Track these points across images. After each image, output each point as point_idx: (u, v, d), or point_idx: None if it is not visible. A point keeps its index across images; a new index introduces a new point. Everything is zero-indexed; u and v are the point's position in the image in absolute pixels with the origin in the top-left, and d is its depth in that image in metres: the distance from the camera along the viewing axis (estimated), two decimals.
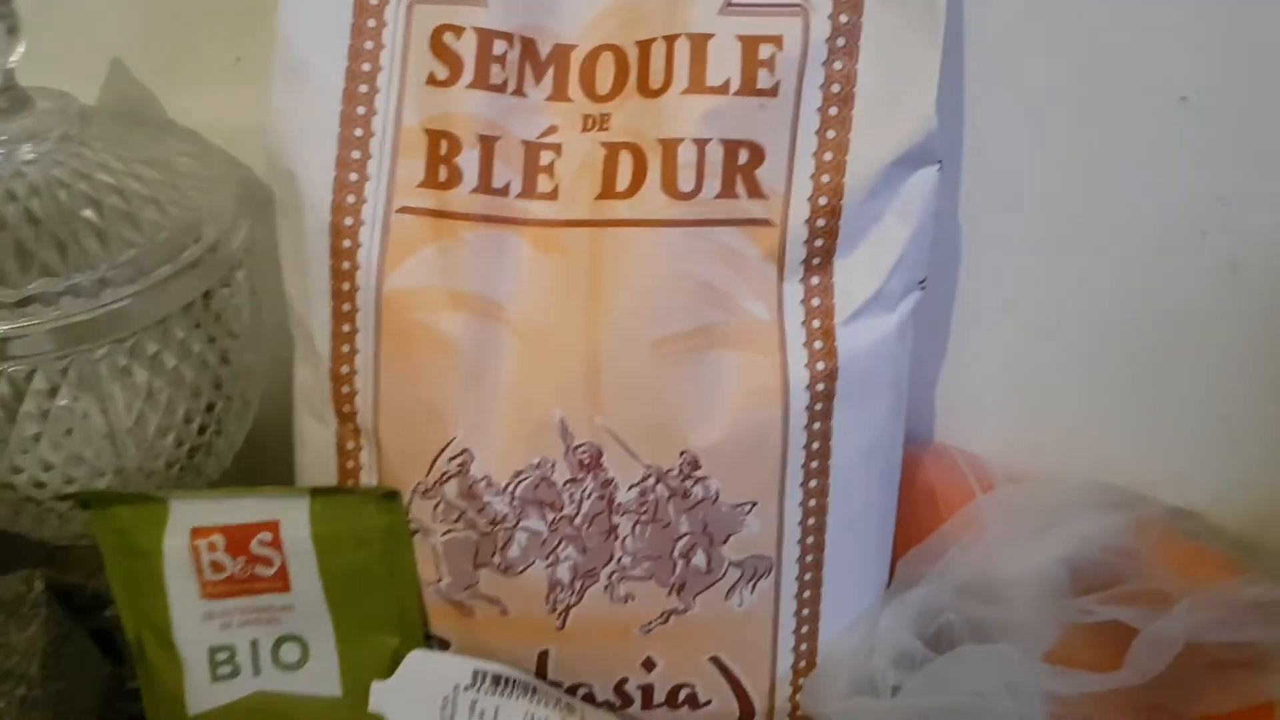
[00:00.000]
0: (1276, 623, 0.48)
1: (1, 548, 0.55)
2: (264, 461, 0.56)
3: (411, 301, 0.46)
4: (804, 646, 0.49)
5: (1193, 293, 0.54)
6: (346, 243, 0.45)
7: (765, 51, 0.44)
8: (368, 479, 0.48)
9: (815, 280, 0.46)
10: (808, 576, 0.48)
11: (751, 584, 0.47)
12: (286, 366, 0.53)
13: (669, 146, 0.44)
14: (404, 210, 0.45)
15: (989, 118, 0.50)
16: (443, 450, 0.46)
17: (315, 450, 0.49)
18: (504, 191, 0.46)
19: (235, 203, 0.53)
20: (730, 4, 0.44)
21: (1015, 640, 0.51)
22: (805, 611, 0.48)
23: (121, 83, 0.58)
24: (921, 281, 0.48)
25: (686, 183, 0.44)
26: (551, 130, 0.46)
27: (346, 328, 0.46)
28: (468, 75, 0.45)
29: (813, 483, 0.47)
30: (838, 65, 0.45)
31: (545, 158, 0.46)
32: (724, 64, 0.44)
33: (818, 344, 0.46)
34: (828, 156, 0.45)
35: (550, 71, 0.46)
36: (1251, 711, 0.48)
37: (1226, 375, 0.55)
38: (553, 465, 0.46)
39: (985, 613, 0.52)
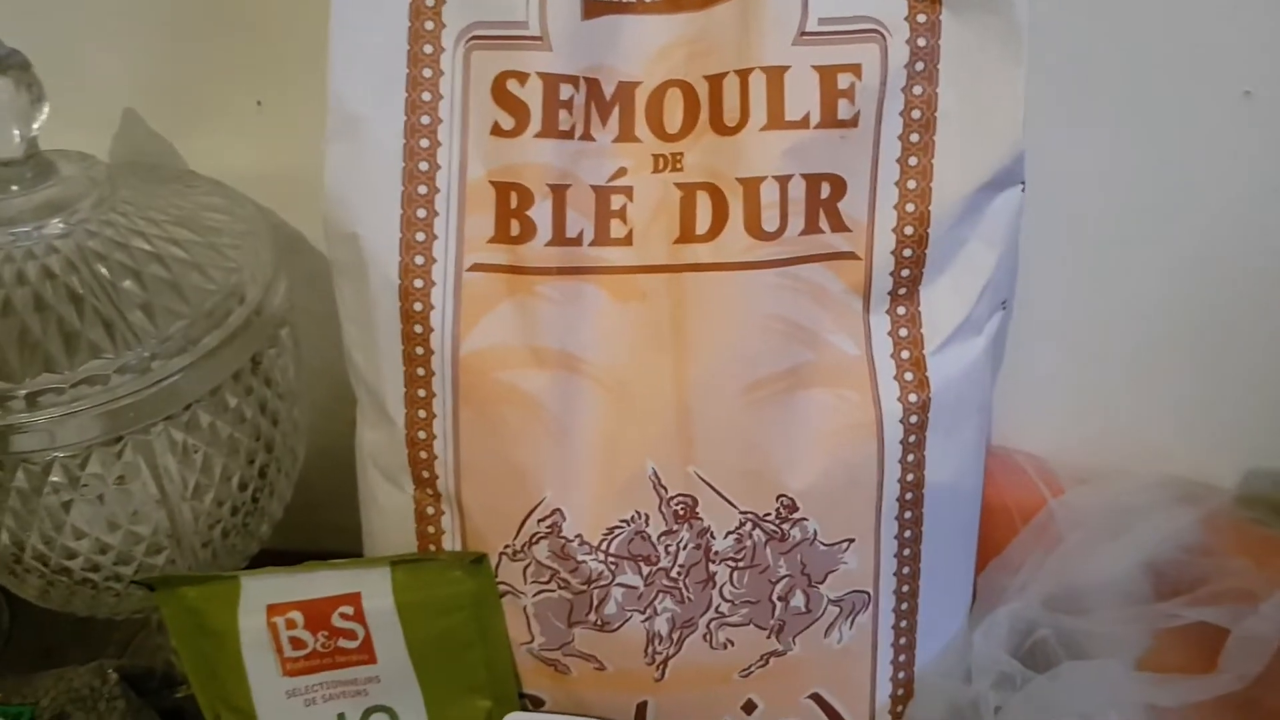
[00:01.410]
0: None
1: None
2: (311, 511, 0.54)
3: (490, 362, 0.44)
4: (902, 675, 0.48)
5: (1254, 286, 0.53)
6: (417, 305, 0.43)
7: (844, 81, 0.42)
8: (450, 544, 0.46)
9: (902, 310, 0.45)
10: (904, 606, 0.47)
11: (850, 619, 0.47)
12: (326, 415, 0.50)
13: (750, 185, 0.43)
14: (476, 268, 0.44)
15: (1049, 115, 0.49)
16: (531, 511, 0.44)
17: (390, 515, 0.47)
18: (578, 240, 0.44)
19: (272, 257, 0.50)
20: (805, 33, 0.42)
21: (1108, 651, 0.51)
22: (902, 640, 0.48)
23: (138, 133, 0.55)
24: (1004, 302, 0.47)
25: (771, 222, 0.43)
26: (621, 173, 0.44)
27: (422, 392, 0.44)
28: (535, 124, 0.42)
29: (907, 514, 0.46)
30: (918, 90, 0.43)
31: (616, 202, 0.44)
32: (803, 97, 0.42)
33: (908, 375, 0.45)
34: (911, 184, 0.43)
35: (616, 111, 0.44)
36: None
37: None
38: (646, 518, 0.45)
39: (1075, 625, 0.51)
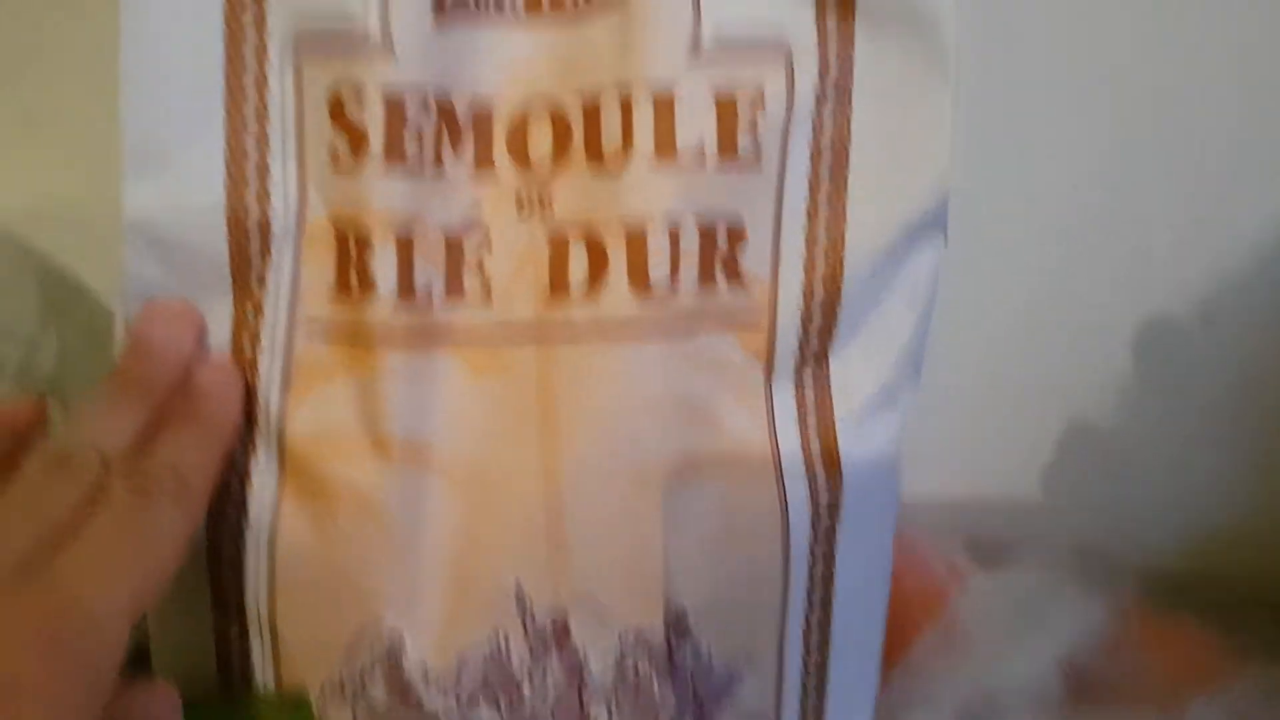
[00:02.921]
0: None
1: None
2: None
3: (321, 448, 0.35)
4: None
5: (1166, 343, 0.49)
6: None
7: (744, 107, 0.35)
8: (261, 676, 0.36)
9: (810, 379, 0.38)
10: None
11: None
12: None
13: (634, 231, 0.35)
14: (311, 328, 0.34)
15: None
16: (365, 636, 0.35)
17: (180, 640, 0.37)
18: (427, 298, 0.35)
19: (38, 311, 0.40)
20: (698, 46, 0.35)
21: None
22: None
23: None
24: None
25: (659, 277, 0.35)
26: (476, 214, 0.36)
27: (234, 481, 0.35)
28: (376, 152, 0.34)
29: (815, 618, 0.39)
30: (827, 120, 0.36)
31: (471, 250, 0.36)
32: (696, 124, 0.35)
33: (817, 458, 0.37)
34: (820, 232, 0.36)
35: (470, 137, 0.36)
36: None
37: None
38: (508, 643, 0.36)
39: None
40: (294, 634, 0.36)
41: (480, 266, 0.36)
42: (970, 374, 0.52)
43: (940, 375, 0.42)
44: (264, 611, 0.36)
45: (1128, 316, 0.50)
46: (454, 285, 0.36)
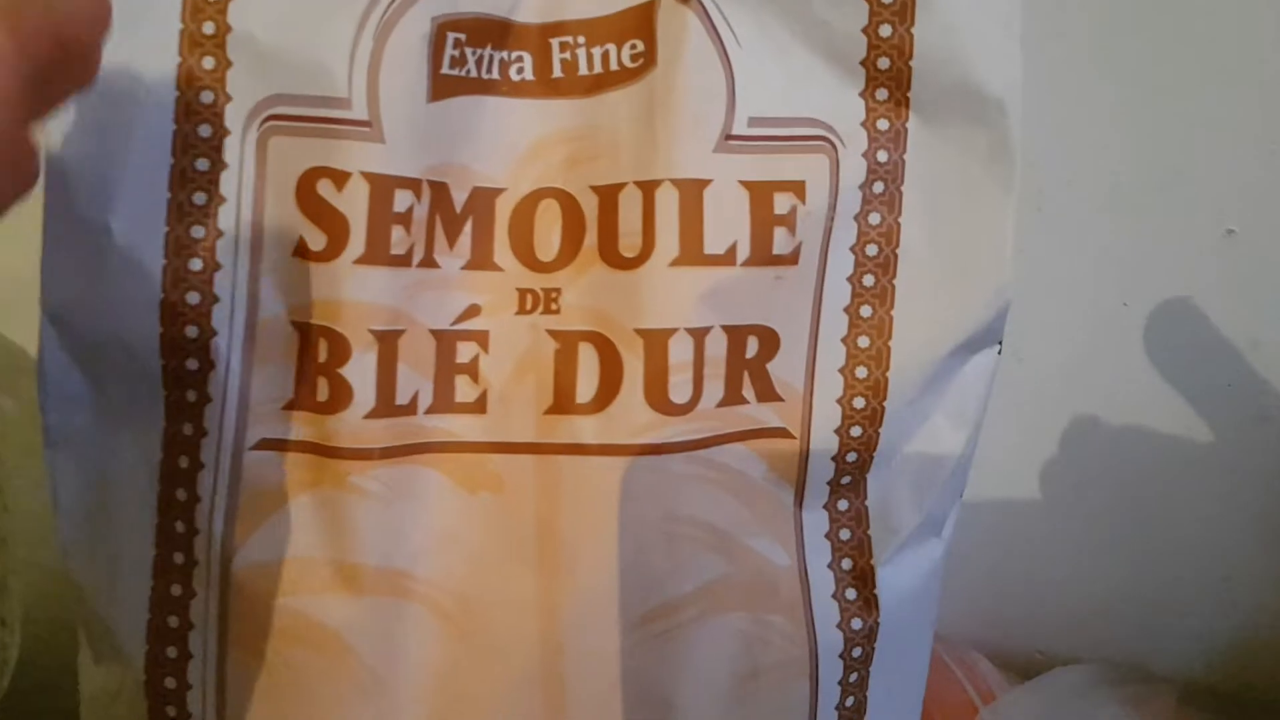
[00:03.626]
0: None
1: None
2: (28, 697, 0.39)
3: (276, 582, 0.30)
4: None
5: (1210, 449, 0.46)
6: (180, 493, 0.30)
7: (782, 203, 0.31)
8: None
9: (844, 505, 0.33)
10: None
11: None
12: (50, 577, 0.36)
13: (654, 340, 0.31)
14: (264, 445, 0.30)
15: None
16: None
17: None
18: (411, 408, 0.31)
19: None
20: (731, 136, 0.31)
21: None
22: None
23: None
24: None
25: (680, 391, 0.31)
26: (473, 312, 0.32)
27: (174, 620, 0.30)
28: (356, 244, 0.29)
29: None
30: (875, 218, 0.32)
31: (465, 352, 0.32)
32: (728, 222, 0.31)
33: (850, 592, 0.33)
34: (863, 342, 0.32)
35: (469, 227, 0.31)
36: None
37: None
38: None
39: None
40: None
41: (474, 369, 0.31)
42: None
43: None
44: None
45: (1178, 418, 0.46)
46: (443, 391, 0.31)
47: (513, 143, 0.32)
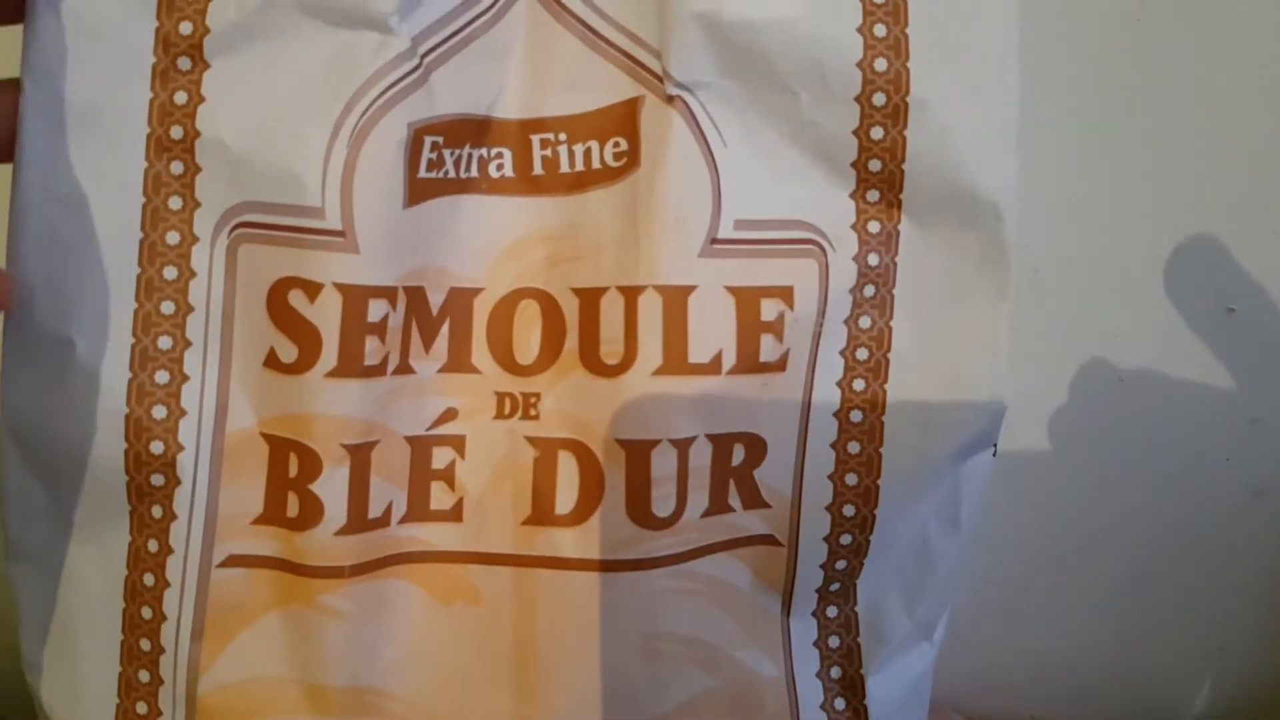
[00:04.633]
0: None
1: None
2: None
3: (244, 705, 0.29)
4: None
5: (1207, 520, 0.46)
6: (145, 611, 0.29)
7: (769, 310, 0.30)
8: None
9: (834, 612, 0.33)
10: None
11: None
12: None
13: (637, 452, 0.30)
14: (232, 561, 0.29)
15: None
16: None
17: None
18: (384, 520, 0.30)
19: None
20: (717, 240, 0.30)
21: None
22: None
23: None
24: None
25: (663, 505, 0.30)
26: (449, 416, 0.31)
27: None
28: (328, 357, 0.28)
29: None
30: (865, 323, 0.31)
31: (441, 458, 0.31)
32: (712, 331, 0.30)
33: (839, 703, 0.32)
34: (854, 448, 0.31)
35: (445, 329, 0.30)
36: None
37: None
38: None
39: None
40: None
41: (451, 474, 0.31)
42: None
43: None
44: None
45: (1172, 492, 0.45)
46: (418, 499, 0.30)
47: (492, 241, 0.31)
